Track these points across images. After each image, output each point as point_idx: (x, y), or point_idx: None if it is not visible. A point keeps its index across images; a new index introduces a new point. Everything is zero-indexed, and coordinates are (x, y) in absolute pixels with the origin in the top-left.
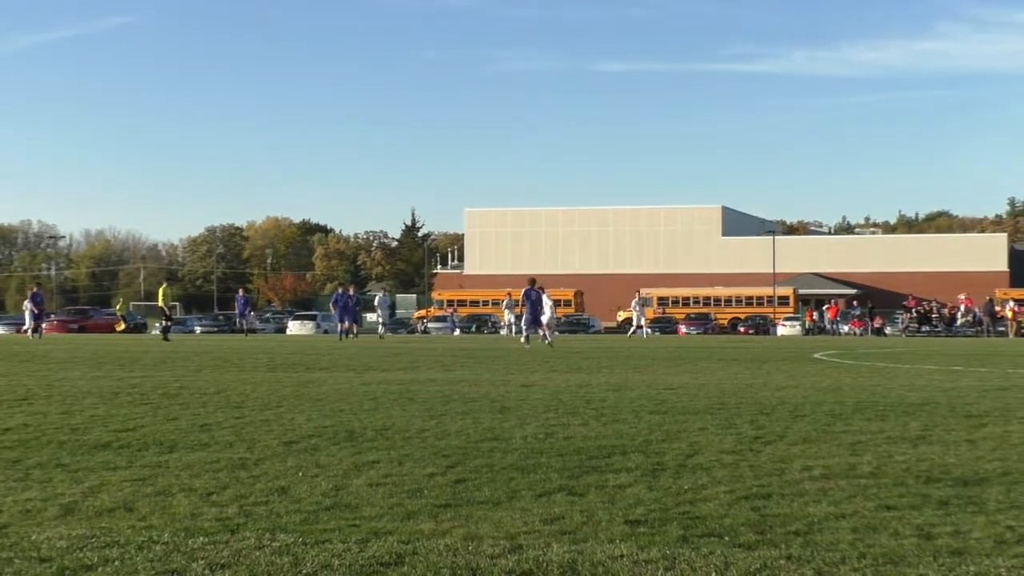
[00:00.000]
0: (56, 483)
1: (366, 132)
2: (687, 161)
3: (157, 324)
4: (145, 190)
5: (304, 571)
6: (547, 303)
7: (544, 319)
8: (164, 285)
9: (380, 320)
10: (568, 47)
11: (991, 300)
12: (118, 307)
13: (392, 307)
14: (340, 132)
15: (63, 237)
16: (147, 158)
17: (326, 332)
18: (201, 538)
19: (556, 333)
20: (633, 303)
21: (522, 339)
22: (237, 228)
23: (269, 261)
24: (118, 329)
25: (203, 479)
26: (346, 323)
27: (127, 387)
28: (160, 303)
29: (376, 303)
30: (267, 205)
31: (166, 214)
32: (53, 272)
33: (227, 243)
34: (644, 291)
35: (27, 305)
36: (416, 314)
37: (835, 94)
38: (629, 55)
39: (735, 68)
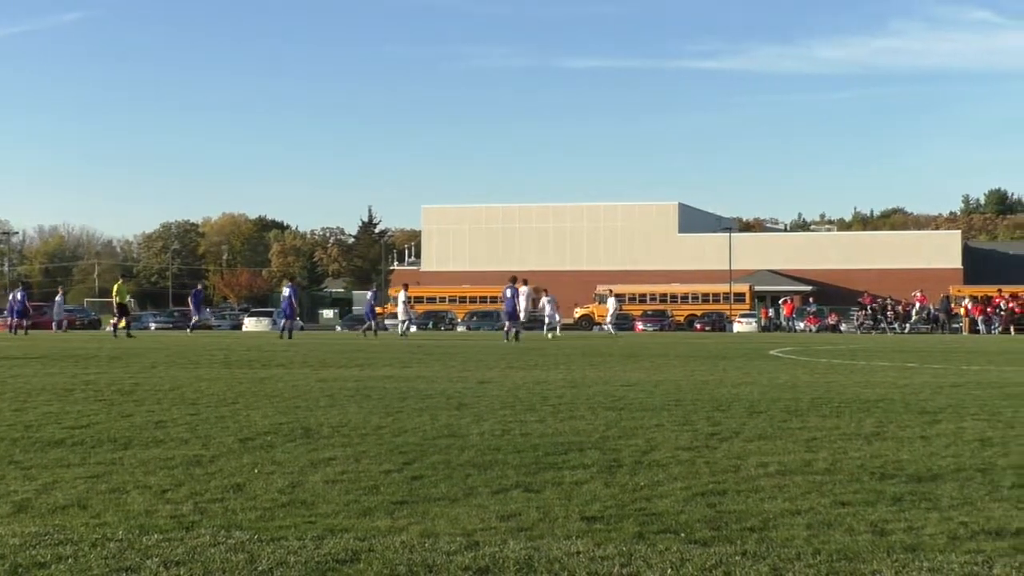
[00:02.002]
0: (9, 480)
1: (324, 127)
2: (645, 158)
3: (111, 322)
4: (100, 186)
5: (260, 568)
6: (522, 299)
7: (521, 315)
8: (119, 282)
9: (401, 319)
10: (531, 43)
11: (947, 297)
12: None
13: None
14: (297, 127)
15: (16, 233)
16: (102, 154)
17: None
18: (156, 535)
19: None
20: (610, 301)
21: (511, 334)
22: (192, 224)
23: (225, 257)
24: (120, 326)
25: (158, 476)
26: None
27: (81, 384)
28: (115, 300)
29: (398, 299)
30: (223, 201)
31: (121, 210)
32: (6, 268)
33: (182, 239)
34: (602, 287)
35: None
36: None
37: (789, 91)
38: (592, 52)
39: (693, 65)
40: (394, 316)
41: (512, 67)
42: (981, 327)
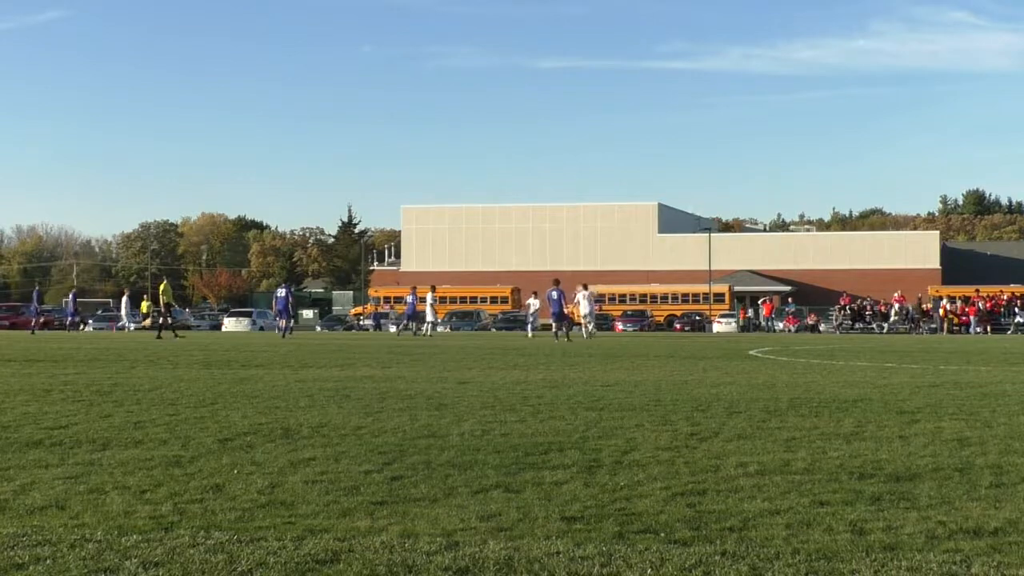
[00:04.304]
0: None
1: (302, 127)
2: (624, 158)
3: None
4: (78, 186)
5: (239, 569)
6: (585, 301)
7: (583, 313)
8: (164, 282)
9: (429, 320)
10: (505, 44)
11: (939, 298)
12: (144, 307)
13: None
14: (276, 127)
15: None
16: (80, 153)
17: (262, 329)
18: (134, 536)
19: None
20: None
21: (560, 334)
22: (172, 224)
23: (204, 257)
24: (147, 325)
25: (137, 477)
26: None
27: (59, 384)
28: (163, 300)
29: (427, 300)
30: (202, 201)
31: (99, 210)
32: None
33: (161, 239)
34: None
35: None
36: (352, 311)
37: (769, 92)
38: (566, 52)
39: (671, 65)
40: (375, 316)
41: (489, 67)
42: (974, 327)
